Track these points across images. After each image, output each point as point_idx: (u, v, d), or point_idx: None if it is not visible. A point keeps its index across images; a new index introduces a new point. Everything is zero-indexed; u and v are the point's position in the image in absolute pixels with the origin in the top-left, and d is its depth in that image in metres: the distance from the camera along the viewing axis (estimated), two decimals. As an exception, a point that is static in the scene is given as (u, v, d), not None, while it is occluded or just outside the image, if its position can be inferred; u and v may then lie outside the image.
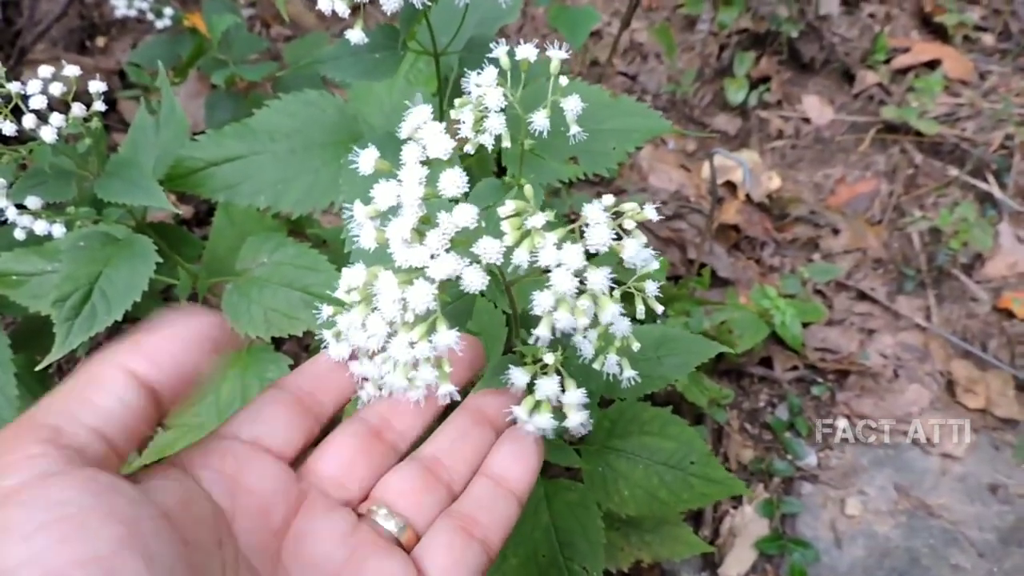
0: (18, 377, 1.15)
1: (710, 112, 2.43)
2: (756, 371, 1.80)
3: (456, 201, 0.57)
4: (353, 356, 0.65)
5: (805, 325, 1.82)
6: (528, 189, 0.59)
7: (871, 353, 1.83)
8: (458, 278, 0.54)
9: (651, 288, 0.61)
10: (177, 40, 1.69)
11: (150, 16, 1.72)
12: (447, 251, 0.54)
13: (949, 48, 2.46)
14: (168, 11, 1.71)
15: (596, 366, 0.67)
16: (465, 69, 0.66)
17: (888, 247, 2.09)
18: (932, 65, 2.41)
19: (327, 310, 0.65)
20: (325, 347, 0.65)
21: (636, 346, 0.65)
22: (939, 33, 2.52)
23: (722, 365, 1.78)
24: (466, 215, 0.55)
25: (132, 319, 1.20)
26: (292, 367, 1.19)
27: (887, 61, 2.46)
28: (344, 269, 0.59)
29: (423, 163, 0.58)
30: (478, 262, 0.55)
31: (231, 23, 1.57)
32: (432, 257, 0.54)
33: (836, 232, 2.12)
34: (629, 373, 0.67)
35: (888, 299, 1.97)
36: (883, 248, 2.09)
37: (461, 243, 0.56)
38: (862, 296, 1.98)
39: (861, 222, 2.14)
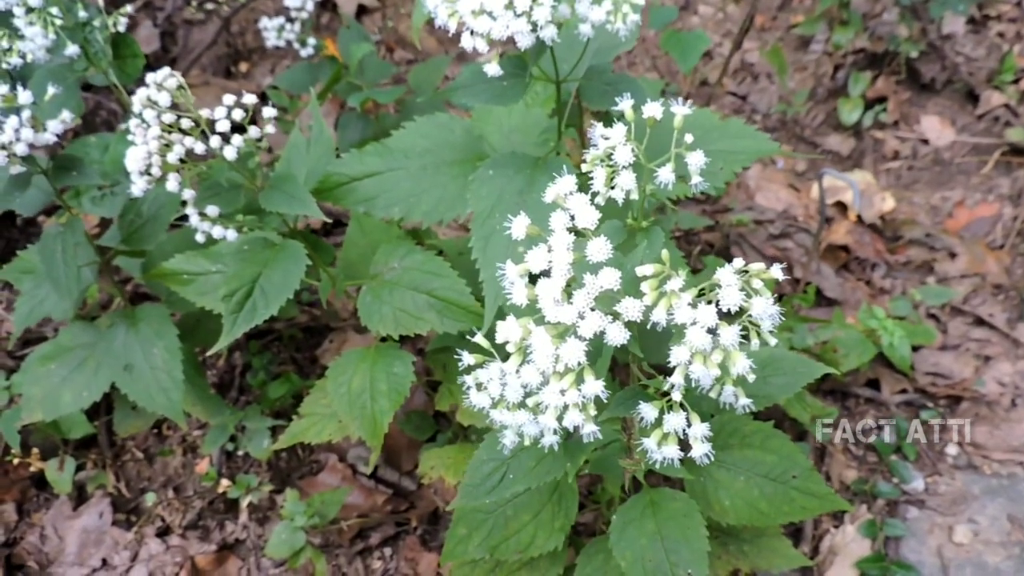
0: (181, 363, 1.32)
1: (822, 132, 2.41)
2: (862, 392, 1.78)
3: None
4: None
5: (915, 348, 1.79)
6: (665, 253, 0.67)
7: (987, 380, 1.78)
8: (602, 333, 0.63)
9: (767, 324, 0.68)
10: (317, 67, 1.86)
11: (295, 46, 1.90)
12: (592, 309, 0.64)
13: (1084, 66, 2.34)
14: (311, 41, 1.89)
15: (712, 395, 0.75)
16: (590, 114, 0.75)
17: (1010, 273, 2.02)
18: (1065, 84, 2.31)
19: (468, 358, 0.76)
20: (466, 394, 0.76)
21: (752, 378, 0.72)
22: (1074, 51, 2.41)
23: (826, 384, 1.77)
24: (610, 278, 0.64)
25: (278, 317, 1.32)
26: (413, 364, 1.30)
27: (1016, 81, 2.37)
28: (499, 323, 0.69)
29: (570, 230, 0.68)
30: (618, 317, 0.63)
31: (366, 52, 1.72)
32: (580, 316, 0.63)
33: (953, 256, 2.06)
34: (744, 401, 0.75)
35: (1008, 326, 1.90)
36: (1004, 274, 2.01)
37: (603, 300, 0.65)
38: (979, 322, 1.92)
39: (981, 246, 2.07)
